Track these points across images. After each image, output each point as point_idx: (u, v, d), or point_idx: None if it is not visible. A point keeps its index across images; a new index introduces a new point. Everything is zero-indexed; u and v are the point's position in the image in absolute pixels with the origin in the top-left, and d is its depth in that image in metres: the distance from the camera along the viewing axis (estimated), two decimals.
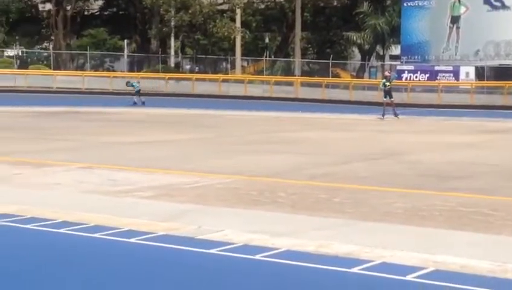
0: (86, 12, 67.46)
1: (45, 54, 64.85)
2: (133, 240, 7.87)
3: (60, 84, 51.24)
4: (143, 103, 37.11)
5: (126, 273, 6.74)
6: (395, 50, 57.85)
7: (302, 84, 50.64)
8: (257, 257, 7.20)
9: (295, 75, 54.46)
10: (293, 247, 7.56)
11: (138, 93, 38.18)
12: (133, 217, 8.98)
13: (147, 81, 52.92)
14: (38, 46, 68.62)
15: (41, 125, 25.12)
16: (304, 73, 56.26)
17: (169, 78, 52.85)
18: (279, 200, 10.52)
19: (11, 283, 6.39)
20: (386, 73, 33.61)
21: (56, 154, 16.12)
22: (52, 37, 64.92)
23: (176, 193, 10.96)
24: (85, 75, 53.74)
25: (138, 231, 8.21)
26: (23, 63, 60.81)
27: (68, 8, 62.17)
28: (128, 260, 7.22)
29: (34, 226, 8.52)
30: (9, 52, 63.53)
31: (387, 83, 30.91)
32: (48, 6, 64.87)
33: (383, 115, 30.16)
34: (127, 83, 39.71)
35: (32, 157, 15.25)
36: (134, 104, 37.04)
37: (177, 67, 62.82)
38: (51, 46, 66.29)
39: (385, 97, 30.90)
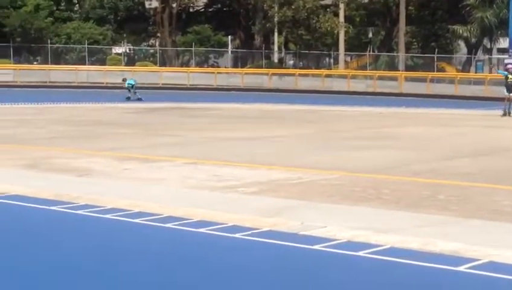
0: (190, 9, 68.42)
1: (151, 50, 66.15)
2: (237, 235, 7.97)
3: (166, 80, 52.26)
4: (139, 99, 36.94)
5: (230, 269, 6.84)
6: (503, 43, 56.32)
7: (406, 79, 50.05)
8: (360, 253, 7.19)
9: (399, 70, 53.86)
10: (397, 244, 7.50)
11: (133, 88, 37.76)
12: (238, 213, 9.08)
13: (251, 76, 53.45)
14: (145, 43, 70.06)
15: (147, 121, 25.68)
16: (408, 67, 55.58)
17: (273, 74, 53.11)
18: (382, 197, 10.44)
19: (124, 277, 6.59)
20: (509, 66, 32.05)
21: (162, 149, 16.45)
22: (158, 34, 66.17)
23: (279, 189, 11.03)
24: (190, 71, 54.61)
25: (242, 227, 8.31)
26: (131, 60, 62.25)
27: (174, 5, 63.22)
28: (233, 256, 7.32)
29: (141, 220, 8.73)
30: (117, 49, 65.10)
31: (510, 76, 29.37)
32: (154, 3, 66.12)
33: (506, 112, 28.58)
34: (124, 80, 39.46)
35: (139, 152, 15.61)
36: (139, 99, 36.94)
37: (281, 63, 63.02)
38: (157, 43, 67.58)
39: (508, 92, 29.17)
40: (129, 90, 37.82)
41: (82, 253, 7.38)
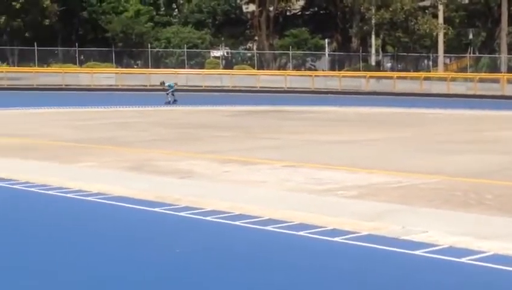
0: (287, 13, 68.67)
1: (249, 54, 66.69)
2: (337, 239, 7.97)
3: (263, 83, 52.60)
4: (175, 101, 36.73)
5: (330, 273, 6.85)
6: None
7: (509, 81, 48.89)
8: (463, 259, 7.08)
9: (501, 72, 52.63)
10: (501, 251, 7.35)
11: (172, 91, 37.44)
12: (337, 216, 9.08)
13: (348, 79, 53.24)
14: (243, 47, 70.69)
15: (246, 124, 25.90)
16: (511, 69, 54.25)
17: (370, 77, 52.77)
18: (485, 202, 10.24)
19: (225, 279, 6.69)
20: None
21: (261, 152, 16.57)
22: (256, 38, 66.66)
23: (379, 193, 10.97)
24: (287, 75, 54.80)
25: (342, 230, 8.30)
26: (229, 64, 62.93)
27: (271, 9, 63.59)
28: (332, 259, 7.33)
29: (242, 223, 8.83)
30: (216, 53, 65.91)
31: None
32: (252, 7, 66.67)
33: None
34: (162, 83, 39.02)
35: (238, 155, 15.76)
36: (175, 101, 36.66)
37: (378, 66, 62.56)
38: (254, 47, 68.08)
39: None
40: (167, 94, 37.54)
41: (184, 255, 7.52)
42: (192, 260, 7.30)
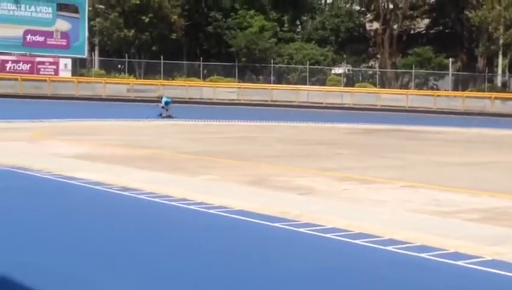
0: (411, 31, 67.95)
1: (370, 72, 66.30)
2: (459, 262, 7.85)
3: (384, 102, 52.22)
4: (169, 116, 36.01)
5: None
6: None
7: None
8: None
9: None
10: None
11: (167, 105, 36.68)
12: (459, 239, 8.94)
13: (472, 100, 52.13)
14: (364, 65, 70.35)
15: (366, 142, 25.78)
16: None
17: (495, 98, 51.55)
18: None
19: None
20: None
21: (380, 171, 16.45)
22: (378, 56, 66.23)
23: (501, 217, 10.71)
24: (409, 94, 54.18)
25: (464, 254, 8.17)
26: (350, 81, 62.74)
27: (395, 27, 63.10)
28: (456, 283, 7.22)
29: (361, 241, 8.82)
30: (337, 70, 65.86)
31: None
32: (376, 25, 66.32)
33: None
34: (160, 98, 38.28)
35: (358, 173, 15.70)
36: (160, 115, 36.02)
37: (504, 87, 60.98)
38: (376, 65, 67.64)
39: None
40: (162, 107, 37.01)
41: (307, 274, 7.57)
42: (307, 278, 7.34)
